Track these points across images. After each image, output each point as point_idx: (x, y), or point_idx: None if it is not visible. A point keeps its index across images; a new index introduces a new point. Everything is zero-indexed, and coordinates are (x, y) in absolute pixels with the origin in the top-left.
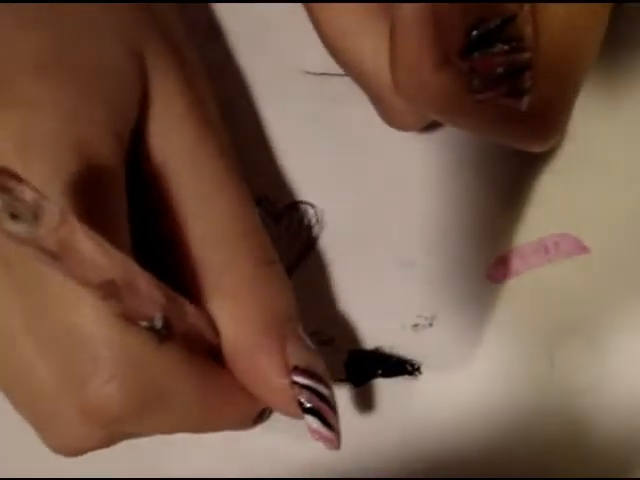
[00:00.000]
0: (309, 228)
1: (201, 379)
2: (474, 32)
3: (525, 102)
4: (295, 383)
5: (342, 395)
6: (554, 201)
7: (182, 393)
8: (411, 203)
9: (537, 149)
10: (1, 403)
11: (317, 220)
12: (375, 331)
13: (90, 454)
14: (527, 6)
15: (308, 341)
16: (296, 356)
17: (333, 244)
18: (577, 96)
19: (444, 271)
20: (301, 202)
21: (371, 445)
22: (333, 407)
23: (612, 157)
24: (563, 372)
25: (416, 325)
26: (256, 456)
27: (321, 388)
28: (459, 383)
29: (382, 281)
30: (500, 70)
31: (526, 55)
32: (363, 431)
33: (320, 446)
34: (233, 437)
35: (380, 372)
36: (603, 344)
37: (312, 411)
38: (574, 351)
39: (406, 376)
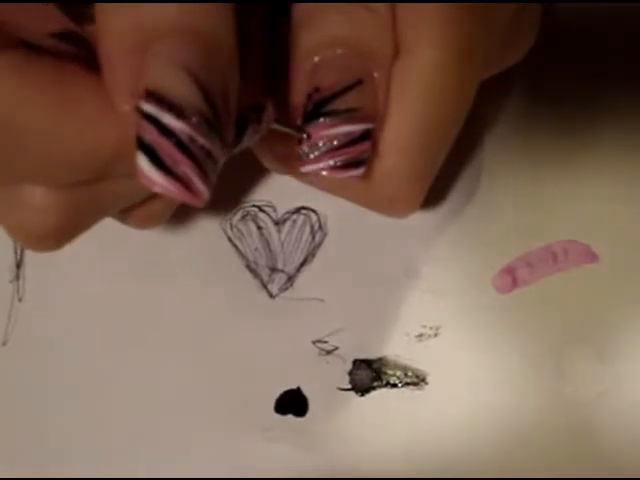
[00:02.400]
0: (312, 235)
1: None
2: (310, 101)
3: (360, 173)
4: (140, 111)
5: (346, 404)
6: (562, 207)
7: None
8: (416, 212)
9: (395, 217)
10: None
11: (320, 226)
12: (379, 340)
13: (89, 454)
14: (381, 71)
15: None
16: (153, 77)
17: (336, 251)
18: (434, 169)
19: (449, 280)
20: (304, 208)
21: (375, 455)
22: (185, 148)
23: (621, 163)
24: (572, 383)
25: (421, 335)
26: (260, 466)
27: (168, 119)
28: (465, 394)
29: (386, 290)
30: (335, 141)
31: (365, 126)
32: (367, 441)
33: (322, 455)
34: (236, 447)
35: (385, 382)
36: (613, 355)
37: (146, 148)
38: (583, 362)
39: (411, 386)
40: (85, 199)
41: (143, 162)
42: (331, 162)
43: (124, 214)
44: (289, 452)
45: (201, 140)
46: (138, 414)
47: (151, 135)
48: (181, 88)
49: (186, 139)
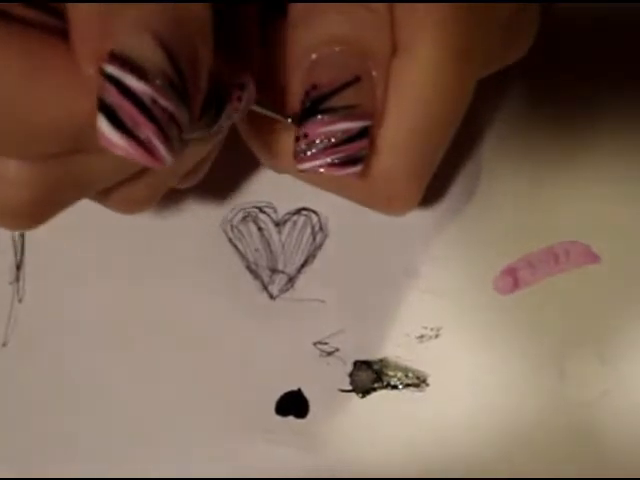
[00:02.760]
0: (312, 236)
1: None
2: (307, 98)
3: (358, 170)
4: (103, 73)
5: (347, 406)
6: (563, 208)
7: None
8: (416, 212)
9: (393, 215)
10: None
11: (320, 228)
12: (380, 342)
13: (89, 455)
14: (379, 70)
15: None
16: (118, 40)
17: (337, 252)
18: (432, 167)
19: (450, 281)
20: (304, 209)
21: (376, 457)
22: (147, 110)
23: (622, 163)
24: (573, 385)
25: (421, 336)
26: (260, 468)
27: (130, 80)
28: (466, 395)
29: (387, 291)
30: (332, 138)
31: (363, 123)
32: (368, 443)
33: (323, 456)
34: (237, 449)
35: (385, 383)
36: (614, 356)
37: (107, 109)
38: (584, 363)
39: (412, 388)
40: (60, 174)
41: (103, 124)
42: (328, 159)
43: (104, 195)
44: (290, 454)
45: (164, 102)
46: (138, 415)
47: (112, 96)
48: (146, 51)
49: (148, 101)
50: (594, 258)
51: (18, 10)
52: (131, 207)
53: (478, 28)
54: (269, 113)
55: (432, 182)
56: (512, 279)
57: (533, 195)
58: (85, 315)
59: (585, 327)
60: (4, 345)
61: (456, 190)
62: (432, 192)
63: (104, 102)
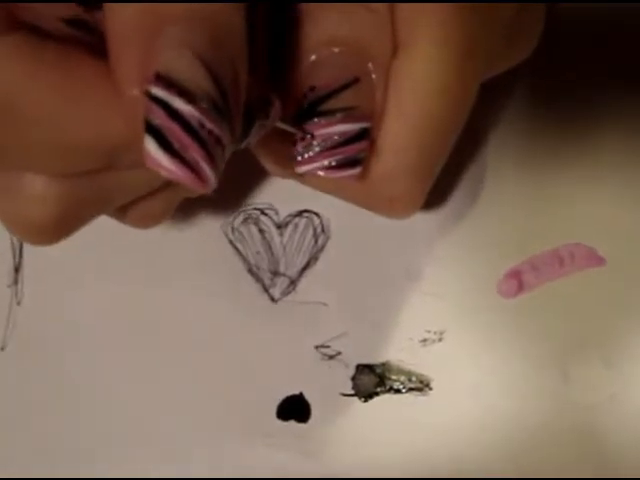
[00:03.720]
0: (314, 238)
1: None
2: (306, 100)
3: (357, 172)
4: (149, 95)
5: (349, 410)
6: (567, 210)
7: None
8: (419, 214)
9: (396, 218)
10: None
11: (322, 230)
12: (383, 345)
13: (90, 460)
14: (379, 71)
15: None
16: (163, 61)
17: (339, 255)
18: (435, 170)
19: (453, 284)
20: (306, 211)
21: (378, 462)
22: (194, 133)
23: (629, 165)
24: (577, 388)
25: (425, 340)
26: (261, 473)
27: (178, 103)
28: (470, 400)
29: (390, 294)
30: (330, 140)
31: (362, 125)
32: (370, 448)
33: (325, 461)
34: (238, 453)
35: (388, 387)
36: (618, 360)
37: (154, 131)
38: (589, 367)
39: (415, 392)
40: (87, 191)
41: (151, 145)
42: (326, 162)
43: (123, 211)
44: (291, 459)
45: (210, 126)
46: (138, 418)
47: (160, 118)
48: (191, 72)
49: (195, 124)
50: (599, 261)
51: (60, 28)
52: (147, 222)
53: (480, 28)
54: (290, 128)
55: (435, 184)
56: (516, 282)
57: (537, 197)
58: (84, 318)
59: (590, 330)
60: (3, 349)
61: (459, 192)
62: (435, 194)
63: (151, 124)
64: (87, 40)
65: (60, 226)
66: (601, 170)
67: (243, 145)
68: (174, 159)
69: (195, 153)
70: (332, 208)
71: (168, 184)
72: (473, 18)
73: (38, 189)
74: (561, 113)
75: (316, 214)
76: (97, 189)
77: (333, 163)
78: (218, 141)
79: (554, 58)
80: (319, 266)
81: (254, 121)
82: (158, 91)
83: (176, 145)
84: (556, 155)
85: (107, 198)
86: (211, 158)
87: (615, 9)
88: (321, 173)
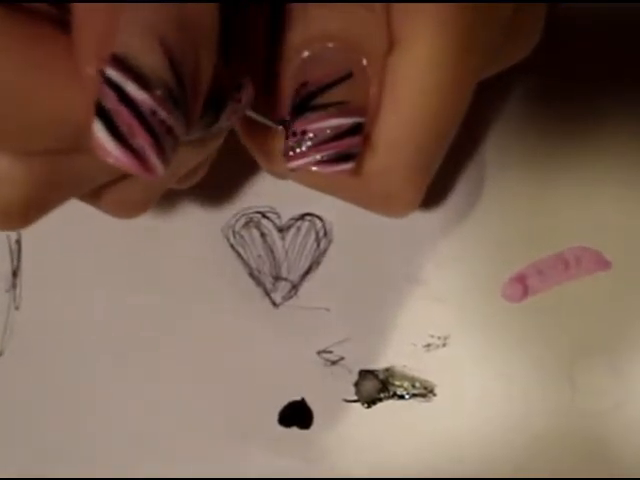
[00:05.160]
0: (317, 242)
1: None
2: (298, 96)
3: (350, 167)
4: (103, 76)
5: (352, 416)
6: (572, 212)
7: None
8: (423, 218)
9: (393, 216)
10: None
11: (325, 233)
12: (386, 351)
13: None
14: (374, 66)
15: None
16: (122, 42)
17: (342, 259)
18: (432, 167)
19: (457, 289)
20: (309, 214)
21: (381, 468)
22: (145, 121)
23: (636, 166)
24: (584, 395)
25: (429, 345)
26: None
27: (131, 88)
28: (474, 406)
29: (393, 299)
30: (322, 134)
31: (355, 119)
32: (373, 454)
33: (327, 468)
34: (239, 460)
35: (391, 393)
36: (626, 365)
37: (104, 115)
38: (596, 373)
39: (419, 398)
40: (55, 172)
41: (99, 130)
42: (318, 156)
43: (97, 196)
44: (293, 465)
45: (163, 115)
46: (138, 425)
47: (111, 102)
48: (150, 57)
49: (147, 111)
50: (606, 265)
51: (28, 0)
52: (126, 210)
53: (478, 25)
54: (260, 118)
55: (438, 187)
56: (521, 286)
57: (542, 199)
58: (84, 323)
59: (596, 336)
60: (1, 354)
61: (463, 196)
62: (438, 198)
63: (102, 106)
64: (55, 14)
65: (27, 209)
66: (606, 172)
67: (214, 130)
68: (121, 145)
69: (144, 141)
70: (335, 211)
71: None
72: (470, 15)
73: (3, 169)
74: (564, 112)
75: (319, 217)
76: (65, 170)
77: (325, 158)
78: (169, 131)
79: (555, 57)
80: (321, 270)
81: (224, 106)
82: (112, 73)
83: (124, 131)
84: (560, 156)
85: (76, 180)
86: (159, 147)
87: (615, 9)
88: (314, 168)
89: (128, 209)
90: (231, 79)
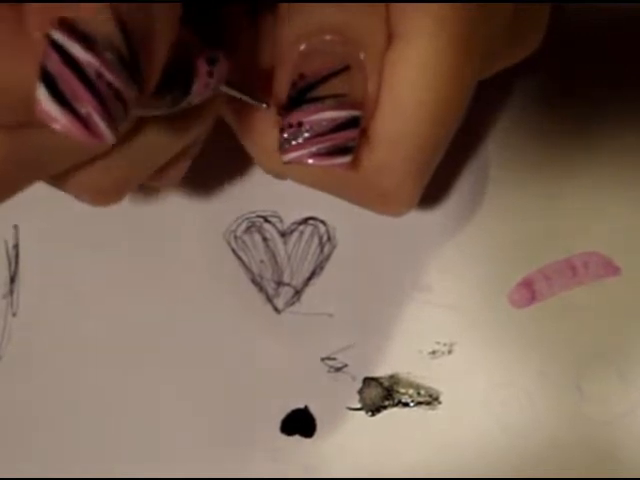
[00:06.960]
0: (320, 246)
1: None
2: (294, 88)
3: (346, 161)
4: (48, 39)
5: (356, 425)
6: (581, 217)
7: None
8: (427, 222)
9: (390, 214)
10: None
11: (328, 238)
12: (391, 358)
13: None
14: (372, 60)
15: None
16: (73, 7)
17: (345, 264)
18: (430, 165)
19: (463, 295)
20: (312, 218)
21: (385, 477)
22: (90, 84)
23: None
24: (592, 402)
25: (434, 352)
26: None
27: (76, 49)
28: (479, 414)
29: (397, 305)
30: (318, 127)
31: (351, 113)
32: (377, 463)
33: (330, 477)
34: (241, 468)
35: (396, 401)
36: (634, 373)
37: (48, 78)
38: (603, 381)
39: (424, 406)
40: (16, 149)
41: (42, 93)
42: (313, 149)
43: (63, 180)
44: (295, 474)
45: (110, 77)
46: (138, 430)
47: (54, 64)
48: (100, 22)
49: (92, 74)
50: (615, 270)
51: None
52: (95, 197)
53: (479, 22)
54: (243, 96)
55: (442, 192)
56: (528, 292)
57: (549, 203)
58: (82, 329)
59: (604, 343)
60: None
61: (467, 201)
62: (443, 202)
63: (45, 70)
64: None
65: None
66: (612, 173)
67: (184, 104)
68: (65, 110)
69: (89, 105)
70: (339, 215)
71: (106, 153)
72: (470, 12)
73: None
74: (570, 112)
75: (322, 222)
76: (28, 147)
77: (322, 150)
78: (118, 95)
79: (557, 56)
80: (325, 276)
81: (194, 79)
82: (58, 35)
83: (68, 95)
84: (564, 157)
85: (37, 161)
86: (106, 112)
87: (616, 9)
88: (310, 161)
89: (97, 196)
90: (201, 50)
